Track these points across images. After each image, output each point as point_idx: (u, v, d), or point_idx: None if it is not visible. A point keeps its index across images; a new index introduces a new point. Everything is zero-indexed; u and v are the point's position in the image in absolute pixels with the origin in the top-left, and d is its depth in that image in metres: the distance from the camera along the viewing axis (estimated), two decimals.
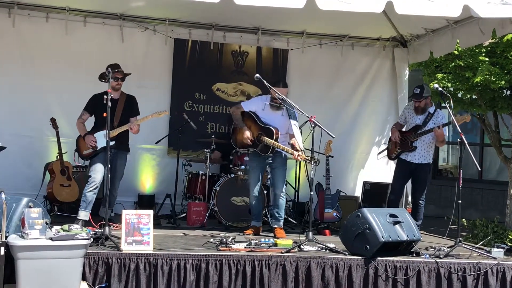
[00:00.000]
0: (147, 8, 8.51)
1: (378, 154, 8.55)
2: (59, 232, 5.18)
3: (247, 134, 7.04)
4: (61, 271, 4.93)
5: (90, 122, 7.19)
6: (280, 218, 7.13)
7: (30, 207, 5.22)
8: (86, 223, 6.62)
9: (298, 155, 6.68)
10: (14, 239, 4.94)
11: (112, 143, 6.69)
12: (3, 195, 5.03)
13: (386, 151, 8.15)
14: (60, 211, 8.00)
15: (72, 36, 8.59)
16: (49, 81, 8.58)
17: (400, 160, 7.74)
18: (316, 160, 6.41)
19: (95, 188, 6.81)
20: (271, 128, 7.01)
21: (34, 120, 8.58)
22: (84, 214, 6.75)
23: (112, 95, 6.78)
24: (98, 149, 6.91)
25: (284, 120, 7.08)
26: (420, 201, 7.56)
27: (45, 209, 5.80)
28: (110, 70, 6.46)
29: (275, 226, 7.09)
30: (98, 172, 6.83)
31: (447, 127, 7.57)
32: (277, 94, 6.87)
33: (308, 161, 6.46)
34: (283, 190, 7.19)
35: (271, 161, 7.16)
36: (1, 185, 5.95)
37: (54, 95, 8.54)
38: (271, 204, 7.31)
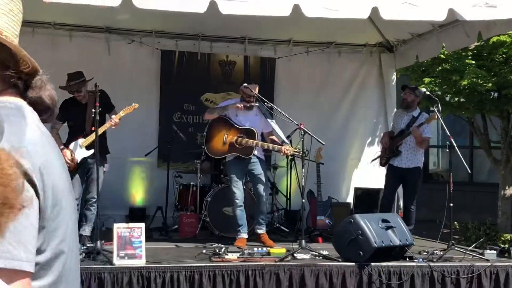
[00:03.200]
0: (133, 21, 8.49)
1: (371, 162, 8.55)
2: None
3: (238, 103, 6.91)
4: None
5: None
6: (264, 223, 7.11)
7: None
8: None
9: (287, 150, 6.67)
10: None
11: (90, 152, 6.55)
12: None
13: (378, 158, 8.15)
14: None
15: (58, 51, 8.56)
16: None
17: (389, 166, 7.77)
18: (304, 151, 6.44)
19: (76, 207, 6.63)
20: (250, 128, 6.99)
21: None
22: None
23: (81, 101, 6.72)
24: (78, 162, 6.65)
25: (258, 119, 7.07)
26: (412, 207, 7.56)
27: None
28: (72, 83, 6.56)
29: (261, 232, 7.05)
30: (75, 191, 6.58)
31: (429, 128, 7.56)
32: (266, 103, 6.90)
33: (297, 154, 6.45)
34: (266, 196, 7.18)
35: (252, 167, 7.06)
36: None
37: None
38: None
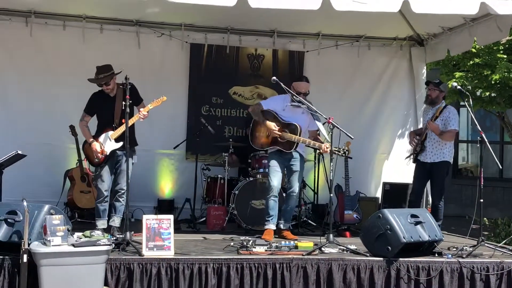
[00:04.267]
0: (162, 14, 8.54)
1: (405, 159, 8.47)
2: (80, 238, 5.21)
3: (272, 125, 6.96)
4: (84, 277, 4.95)
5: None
6: (289, 220, 7.20)
7: (52, 214, 5.25)
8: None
9: (327, 147, 6.67)
10: (36, 246, 4.97)
11: (119, 144, 6.60)
12: (25, 203, 5.07)
13: (411, 156, 8.05)
14: (81, 218, 8.05)
15: (89, 44, 8.66)
16: (68, 88, 8.64)
17: (417, 161, 7.68)
18: (346, 150, 6.47)
19: (104, 200, 6.64)
20: (294, 124, 6.99)
21: (53, 128, 8.64)
22: (101, 223, 6.65)
23: (110, 94, 6.74)
24: (108, 154, 6.67)
25: (305, 117, 7.06)
26: (440, 203, 7.43)
27: (66, 216, 5.83)
28: (101, 76, 6.61)
29: (284, 228, 7.11)
30: (104, 182, 6.66)
31: (455, 121, 7.39)
32: (295, 96, 6.88)
33: (338, 153, 6.44)
34: (298, 193, 7.22)
35: (293, 163, 7.07)
36: (23, 193, 6.00)
37: (72, 103, 8.57)
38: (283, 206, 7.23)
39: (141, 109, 6.61)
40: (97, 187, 6.80)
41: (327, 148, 6.70)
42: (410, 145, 7.88)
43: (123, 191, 6.62)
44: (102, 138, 6.71)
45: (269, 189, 7.04)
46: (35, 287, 4.95)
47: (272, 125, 6.98)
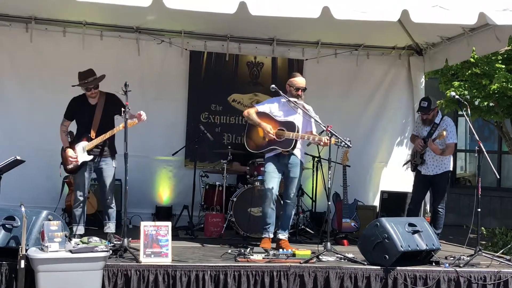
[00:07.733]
0: (162, 21, 8.57)
1: (403, 166, 8.45)
2: (78, 244, 5.21)
3: (268, 127, 6.74)
4: (81, 283, 4.96)
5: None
6: (287, 229, 6.92)
7: (50, 219, 5.26)
8: None
9: (327, 139, 6.48)
10: (34, 252, 4.98)
11: (90, 157, 6.57)
12: (22, 208, 5.07)
13: (409, 162, 8.03)
14: None
15: (89, 50, 8.66)
16: (67, 95, 8.56)
17: (417, 171, 7.68)
18: (348, 140, 6.39)
19: (79, 206, 6.64)
20: (291, 121, 6.79)
21: (52, 133, 8.58)
22: (79, 229, 6.62)
23: (92, 100, 6.72)
24: (79, 163, 6.61)
25: (300, 117, 6.86)
26: (440, 209, 7.44)
27: (64, 222, 5.83)
28: (86, 80, 6.59)
29: (283, 237, 6.84)
30: (79, 189, 6.66)
31: (453, 133, 7.36)
32: (293, 103, 6.85)
33: (339, 145, 6.38)
34: (294, 201, 7.05)
35: (290, 168, 6.84)
36: (21, 198, 5.99)
37: None
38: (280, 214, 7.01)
39: (119, 126, 6.41)
40: (74, 193, 6.79)
41: (327, 140, 6.49)
42: (417, 149, 7.71)
43: (110, 197, 6.67)
44: (77, 147, 6.65)
45: (265, 197, 6.85)
46: None
47: (268, 127, 6.76)
